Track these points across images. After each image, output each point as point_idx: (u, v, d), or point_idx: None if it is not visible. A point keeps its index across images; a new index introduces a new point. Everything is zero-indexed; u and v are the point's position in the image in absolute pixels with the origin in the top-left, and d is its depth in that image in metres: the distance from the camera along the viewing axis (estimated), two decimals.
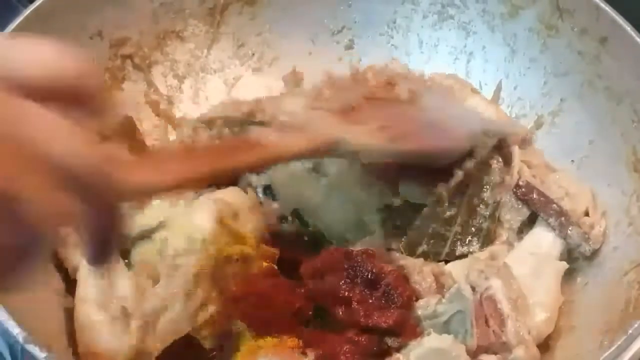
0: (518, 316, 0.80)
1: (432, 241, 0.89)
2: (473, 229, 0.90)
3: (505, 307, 0.79)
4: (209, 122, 0.99)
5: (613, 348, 0.72)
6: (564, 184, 0.92)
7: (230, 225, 0.83)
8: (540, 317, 0.84)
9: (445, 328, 0.81)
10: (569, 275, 0.89)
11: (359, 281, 0.81)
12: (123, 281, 0.80)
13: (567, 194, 0.91)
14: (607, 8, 0.93)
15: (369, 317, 0.79)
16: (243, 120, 0.99)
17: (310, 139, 0.76)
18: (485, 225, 0.90)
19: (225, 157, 0.67)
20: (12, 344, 0.70)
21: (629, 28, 0.91)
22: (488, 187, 0.91)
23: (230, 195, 0.88)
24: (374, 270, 0.81)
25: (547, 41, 1.00)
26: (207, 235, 0.81)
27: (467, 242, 0.90)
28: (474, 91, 1.04)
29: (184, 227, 0.82)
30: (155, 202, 0.85)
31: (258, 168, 0.84)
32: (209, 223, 0.81)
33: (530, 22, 1.01)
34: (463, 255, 0.89)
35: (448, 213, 0.89)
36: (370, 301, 0.80)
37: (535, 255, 0.89)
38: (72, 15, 0.95)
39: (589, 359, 0.76)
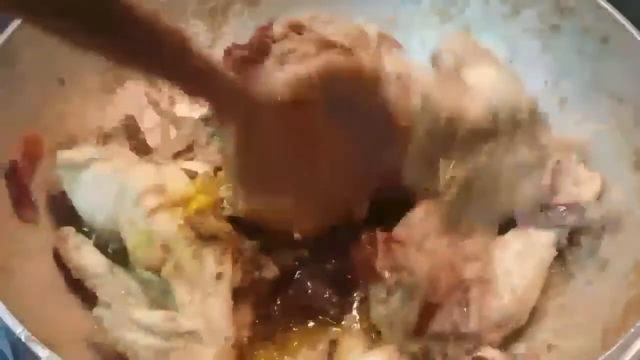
0: (484, 299, 0.82)
1: None
2: None
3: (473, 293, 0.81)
4: (209, 121, 0.99)
5: (615, 347, 0.72)
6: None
7: None
8: (508, 299, 0.84)
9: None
10: (571, 274, 0.90)
11: None
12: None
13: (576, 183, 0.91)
14: (608, 7, 0.93)
15: None
16: None
17: None
18: None
19: None
20: (14, 343, 0.70)
21: (630, 27, 0.91)
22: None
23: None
24: None
25: (548, 41, 1.01)
26: None
27: None
28: (484, 55, 0.94)
29: None
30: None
31: None
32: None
33: (531, 22, 1.02)
34: None
35: None
36: None
37: (527, 238, 0.89)
38: None
39: (591, 357, 0.76)
